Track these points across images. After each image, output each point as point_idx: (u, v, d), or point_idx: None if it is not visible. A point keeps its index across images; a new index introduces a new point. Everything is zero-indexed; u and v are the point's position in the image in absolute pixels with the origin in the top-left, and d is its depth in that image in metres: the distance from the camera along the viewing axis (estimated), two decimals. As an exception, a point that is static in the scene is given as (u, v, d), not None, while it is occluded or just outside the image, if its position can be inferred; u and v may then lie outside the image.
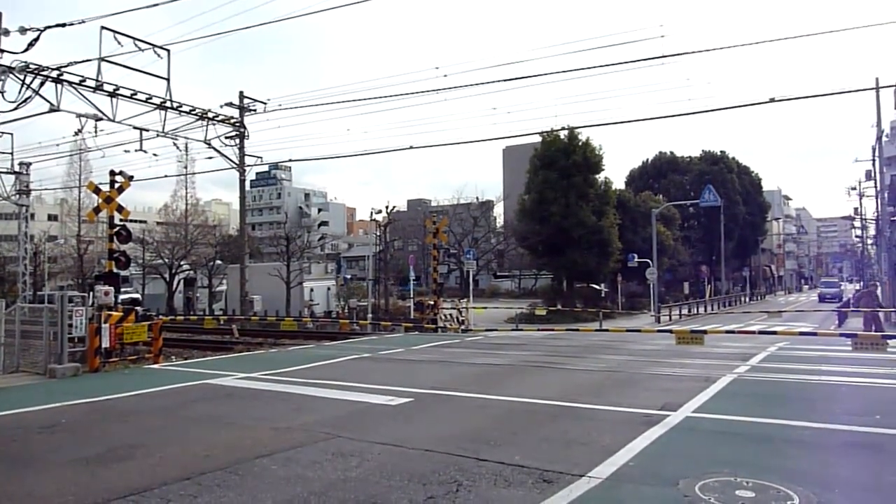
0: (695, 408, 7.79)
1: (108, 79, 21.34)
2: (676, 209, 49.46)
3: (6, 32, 19.37)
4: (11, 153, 26.83)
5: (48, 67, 20.07)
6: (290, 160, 72.13)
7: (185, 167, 53.31)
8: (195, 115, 25.76)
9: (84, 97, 21.11)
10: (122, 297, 20.94)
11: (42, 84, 19.98)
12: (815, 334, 18.25)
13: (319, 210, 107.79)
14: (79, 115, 21.58)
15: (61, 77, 20.29)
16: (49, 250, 51.29)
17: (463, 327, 23.21)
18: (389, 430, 6.80)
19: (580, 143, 37.12)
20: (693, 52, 44.47)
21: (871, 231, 51.22)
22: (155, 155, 27.88)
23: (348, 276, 56.10)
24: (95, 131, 22.63)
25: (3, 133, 22.69)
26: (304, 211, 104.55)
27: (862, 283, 57.42)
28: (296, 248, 42.67)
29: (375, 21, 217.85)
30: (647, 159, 65.63)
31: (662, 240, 41.73)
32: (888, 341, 13.03)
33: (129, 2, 21.18)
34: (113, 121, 22.14)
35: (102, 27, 19.91)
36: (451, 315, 23.93)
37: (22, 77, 19.61)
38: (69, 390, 9.93)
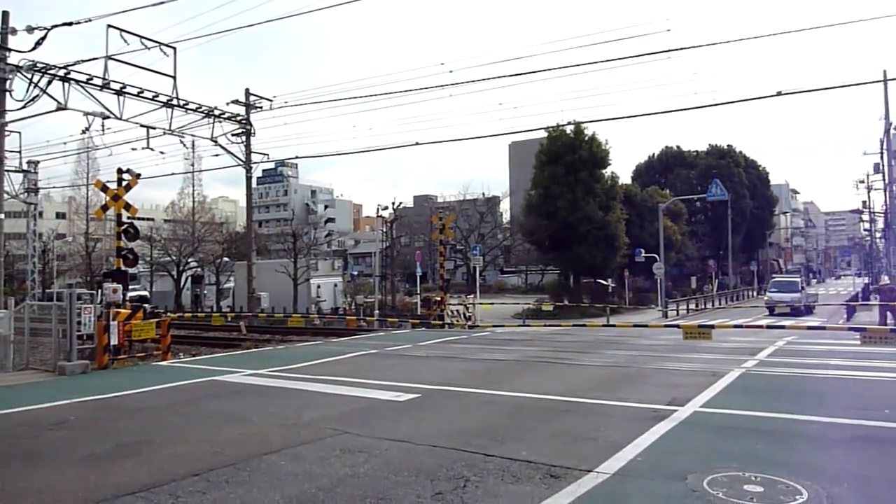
0: (703, 403, 7.77)
1: (115, 77, 21.44)
2: (683, 204, 49.31)
3: (13, 31, 19.47)
4: (19, 152, 26.93)
5: (55, 66, 20.15)
6: (297, 157, 72.59)
7: (192, 165, 53.59)
8: (202, 112, 25.82)
9: (91, 95, 21.20)
10: (130, 294, 21.05)
11: (49, 83, 20.06)
12: (823, 328, 18.17)
13: (326, 207, 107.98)
14: (86, 114, 21.66)
15: (68, 76, 20.37)
16: (57, 248, 51.62)
17: (470, 323, 23.21)
18: (397, 426, 6.81)
19: (586, 138, 37.04)
20: (699, 46, 44.39)
21: (880, 224, 50.96)
22: (162, 153, 27.96)
23: (355, 273, 56.17)
24: (102, 129, 22.76)
25: (11, 132, 22.74)
26: (311, 208, 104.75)
27: (870, 276, 56.73)
28: (302, 244, 42.79)
29: (381, 18, 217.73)
30: (654, 154, 65.50)
31: (669, 234, 41.61)
32: (897, 335, 12.96)
33: (136, 0, 21.24)
34: (120, 119, 22.23)
35: (109, 25, 20.00)
36: (457, 311, 23.92)
37: (29, 76, 19.70)
38: (78, 387, 9.99)
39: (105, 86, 21.25)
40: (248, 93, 29.31)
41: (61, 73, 20.22)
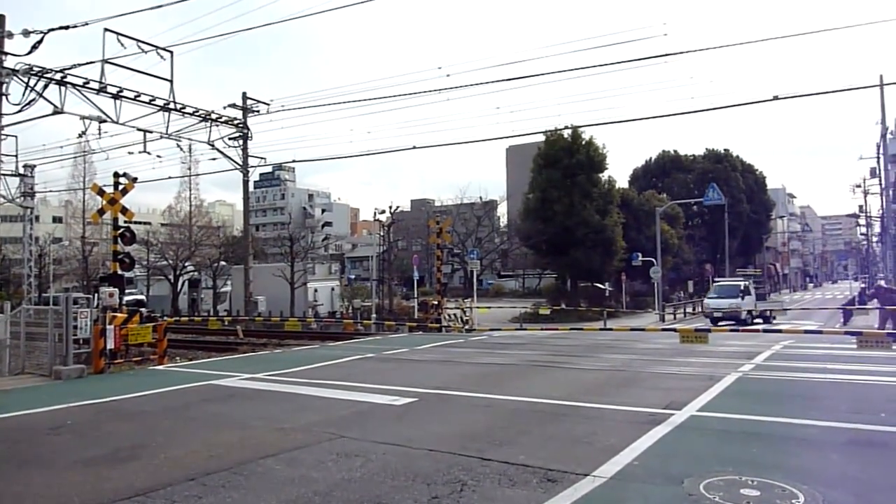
0: (699, 407, 7.78)
1: (112, 81, 21.43)
2: (680, 208, 49.41)
3: (10, 35, 19.46)
4: (16, 155, 26.91)
5: (52, 70, 20.14)
6: (294, 161, 72.49)
7: (189, 169, 53.50)
8: (198, 116, 25.83)
9: (88, 99, 21.21)
10: (126, 298, 20.99)
11: (46, 86, 20.06)
12: (820, 332, 18.23)
13: (323, 210, 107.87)
14: (83, 118, 21.68)
15: (65, 79, 20.36)
16: (54, 252, 51.48)
17: (467, 327, 23.19)
18: (393, 431, 6.81)
19: (583, 142, 37.14)
20: (696, 51, 44.56)
21: (876, 228, 51.10)
22: (159, 157, 28.15)
23: (352, 277, 56.27)
24: (99, 133, 22.76)
25: (7, 135, 22.70)
26: (308, 211, 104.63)
27: (867, 279, 56.79)
28: (300, 248, 42.76)
29: (378, 21, 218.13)
30: (651, 158, 65.65)
31: (666, 238, 41.69)
32: (892, 340, 13.00)
33: (132, 4, 21.25)
34: (116, 123, 22.25)
35: (105, 29, 19.99)
36: (455, 315, 23.92)
37: (26, 80, 19.69)
38: (74, 392, 9.96)
39: (102, 89, 21.24)
40: (245, 97, 29.32)
41: (58, 76, 20.22)
